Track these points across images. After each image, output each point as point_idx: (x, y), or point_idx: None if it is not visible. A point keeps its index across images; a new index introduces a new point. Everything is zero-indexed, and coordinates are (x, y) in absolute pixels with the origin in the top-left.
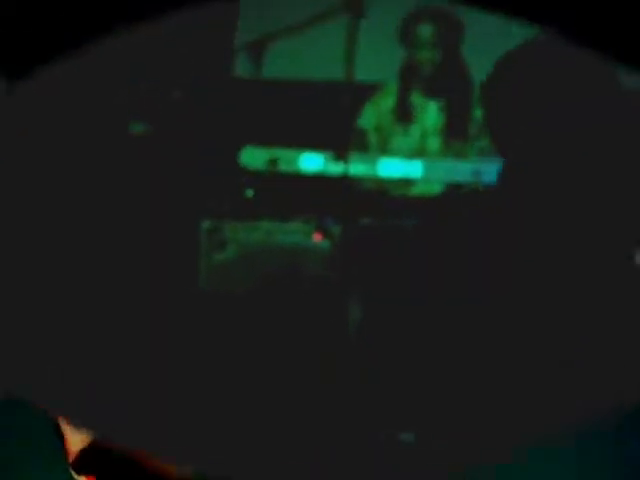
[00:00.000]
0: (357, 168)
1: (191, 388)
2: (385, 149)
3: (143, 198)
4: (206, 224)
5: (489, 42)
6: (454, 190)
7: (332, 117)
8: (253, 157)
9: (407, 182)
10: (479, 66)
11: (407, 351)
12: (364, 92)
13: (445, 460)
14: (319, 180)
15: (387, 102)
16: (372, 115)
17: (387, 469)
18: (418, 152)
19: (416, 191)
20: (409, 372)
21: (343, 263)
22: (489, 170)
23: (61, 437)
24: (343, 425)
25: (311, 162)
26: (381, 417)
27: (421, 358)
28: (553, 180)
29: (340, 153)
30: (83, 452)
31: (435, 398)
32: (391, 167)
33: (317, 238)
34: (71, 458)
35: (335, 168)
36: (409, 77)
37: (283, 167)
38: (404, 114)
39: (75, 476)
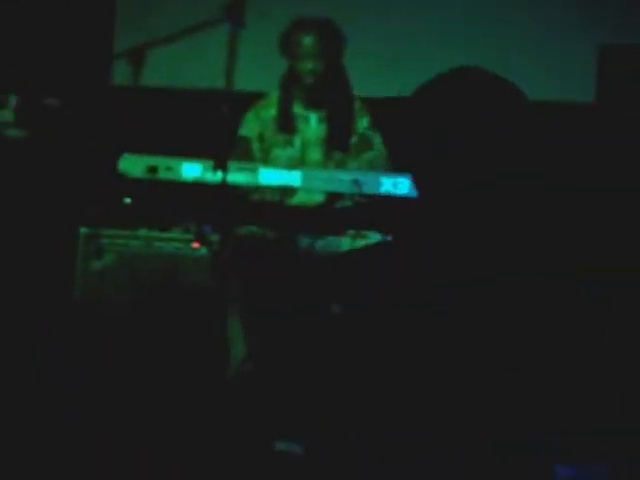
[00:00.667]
0: (237, 177)
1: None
2: (267, 158)
3: (19, 204)
4: (84, 231)
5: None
6: (333, 199)
7: (213, 126)
8: (132, 165)
9: (288, 191)
10: (359, 77)
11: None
12: (246, 101)
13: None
14: (199, 188)
15: (269, 112)
16: (254, 124)
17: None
18: (299, 162)
19: (296, 200)
20: (288, 381)
21: (221, 272)
22: (369, 181)
23: None
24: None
25: (191, 170)
26: (262, 427)
27: (302, 367)
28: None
29: (220, 162)
30: None
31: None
32: (271, 176)
33: (196, 246)
34: None
35: (215, 176)
36: (291, 87)
37: (162, 175)
38: (286, 124)
39: None
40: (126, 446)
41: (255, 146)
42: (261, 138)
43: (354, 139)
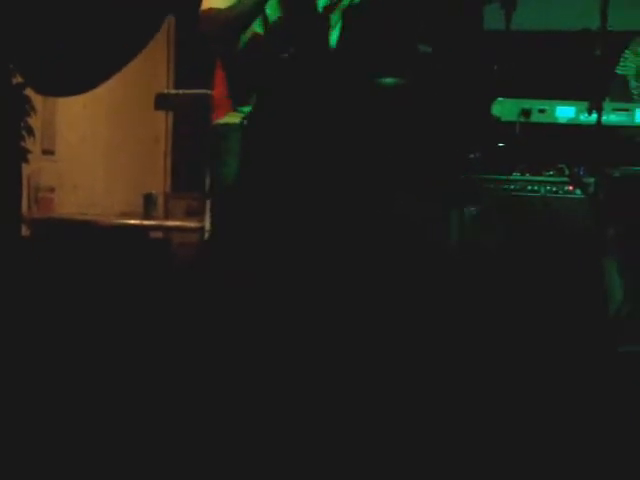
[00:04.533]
0: (612, 117)
1: None
2: None
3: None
4: (459, 176)
5: None
6: None
7: (586, 66)
8: (506, 108)
9: None
10: None
11: None
12: (619, 40)
13: None
14: (573, 130)
15: None
16: (631, 62)
17: None
18: None
19: None
20: None
21: (597, 214)
22: None
23: None
24: None
25: (565, 112)
26: None
27: None
28: None
29: (595, 103)
30: None
31: None
32: None
33: (570, 188)
34: None
35: (589, 118)
36: None
37: (536, 118)
38: None
39: None
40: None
41: (632, 84)
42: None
43: None
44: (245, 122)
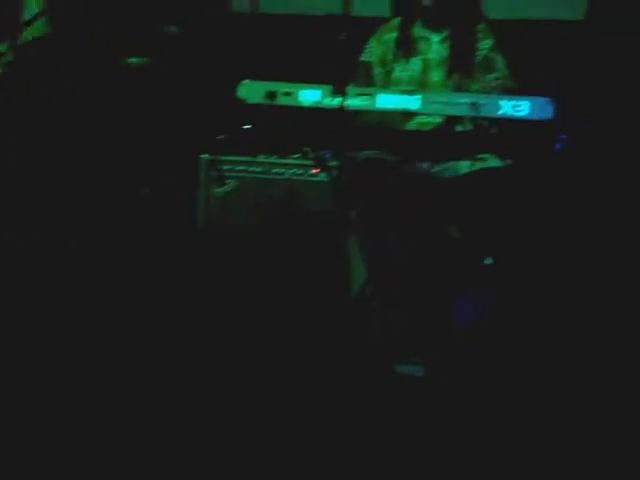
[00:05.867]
0: (355, 102)
1: None
2: (388, 82)
3: (138, 131)
4: (205, 158)
5: None
6: (452, 123)
7: (331, 51)
8: (251, 91)
9: (406, 115)
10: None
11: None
12: (363, 27)
13: None
14: (317, 114)
15: (390, 35)
16: (376, 49)
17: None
18: (420, 83)
19: (415, 123)
20: None
21: (340, 197)
22: (488, 104)
23: None
24: None
25: (309, 96)
26: (384, 350)
27: (421, 290)
28: None
29: (338, 87)
30: None
31: None
32: (389, 100)
33: (315, 172)
34: None
35: (333, 102)
36: (411, 10)
37: (281, 101)
38: (406, 46)
39: None
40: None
41: (377, 70)
42: (383, 62)
43: (476, 61)
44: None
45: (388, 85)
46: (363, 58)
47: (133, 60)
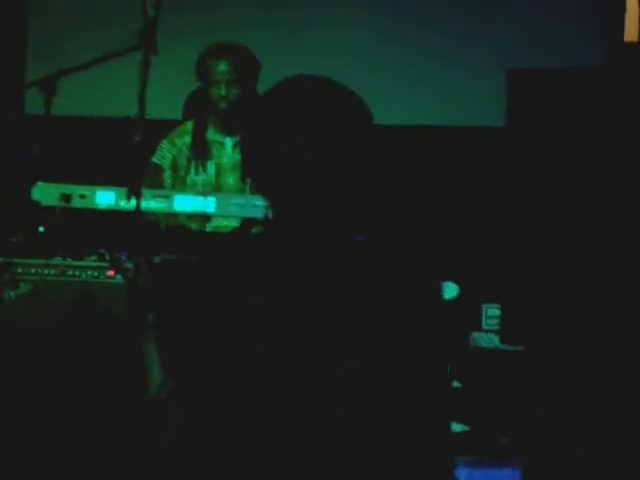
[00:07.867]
0: (152, 204)
1: None
2: (183, 185)
3: None
4: None
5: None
6: (249, 225)
7: (126, 153)
8: (45, 193)
9: (203, 218)
10: None
11: None
12: (158, 129)
13: None
14: (113, 216)
15: (184, 139)
16: (168, 152)
17: None
18: (215, 187)
19: (212, 226)
20: None
21: (136, 299)
22: None
23: None
24: None
25: (104, 198)
26: None
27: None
28: None
29: (133, 189)
30: None
31: None
32: (186, 203)
33: (111, 274)
34: None
35: (129, 204)
36: (205, 113)
37: (76, 203)
38: (199, 150)
39: None
40: None
41: (167, 174)
42: (174, 166)
43: None
44: None
45: (182, 189)
46: (154, 160)
47: None
